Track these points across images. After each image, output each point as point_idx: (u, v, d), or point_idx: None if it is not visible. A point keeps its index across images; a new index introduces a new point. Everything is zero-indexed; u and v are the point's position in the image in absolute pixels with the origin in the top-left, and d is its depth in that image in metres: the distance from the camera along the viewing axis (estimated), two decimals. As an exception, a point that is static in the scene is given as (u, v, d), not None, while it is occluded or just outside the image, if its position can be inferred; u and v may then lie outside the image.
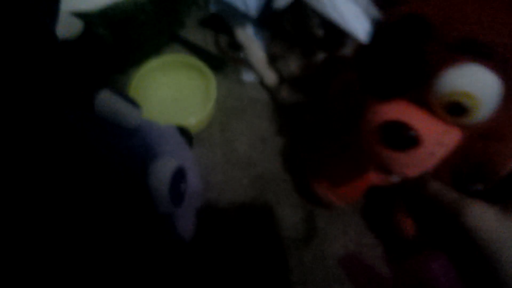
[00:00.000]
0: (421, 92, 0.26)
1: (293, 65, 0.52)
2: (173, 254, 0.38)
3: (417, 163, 0.28)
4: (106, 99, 0.30)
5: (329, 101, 0.44)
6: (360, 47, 0.30)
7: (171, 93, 0.57)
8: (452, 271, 0.29)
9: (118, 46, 0.54)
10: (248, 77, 0.58)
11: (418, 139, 0.26)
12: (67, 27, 0.45)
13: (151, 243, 0.33)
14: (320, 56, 0.51)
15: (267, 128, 0.55)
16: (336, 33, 0.47)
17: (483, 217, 0.28)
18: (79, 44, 0.47)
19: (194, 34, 0.63)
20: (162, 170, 0.30)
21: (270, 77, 0.55)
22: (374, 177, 0.41)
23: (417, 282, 0.28)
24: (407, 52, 0.27)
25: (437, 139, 0.27)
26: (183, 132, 0.44)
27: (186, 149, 0.42)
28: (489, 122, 0.27)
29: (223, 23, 0.59)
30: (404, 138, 0.26)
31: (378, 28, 0.29)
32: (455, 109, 0.25)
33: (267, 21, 0.56)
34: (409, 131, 0.26)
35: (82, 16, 0.48)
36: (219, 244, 0.48)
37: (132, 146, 0.32)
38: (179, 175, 0.32)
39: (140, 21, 0.53)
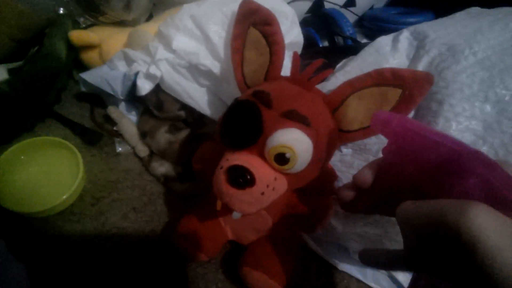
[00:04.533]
0: (260, 146, 0.37)
1: (161, 140, 0.59)
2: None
3: (252, 200, 0.36)
4: None
5: (194, 167, 0.52)
6: (223, 115, 0.40)
7: (39, 173, 0.57)
8: None
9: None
10: (122, 148, 0.62)
11: (253, 180, 0.35)
12: None
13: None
14: (184, 132, 0.59)
15: (139, 198, 0.58)
16: (195, 114, 0.57)
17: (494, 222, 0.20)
18: None
19: (71, 108, 0.65)
20: None
21: (141, 149, 0.61)
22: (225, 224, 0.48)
23: None
24: (251, 117, 0.37)
25: (268, 182, 0.37)
26: None
27: (10, 261, 0.46)
28: (304, 173, 0.38)
29: (99, 97, 0.64)
30: (242, 178, 0.35)
31: (234, 101, 0.40)
32: (280, 159, 0.36)
33: (136, 100, 0.63)
34: (246, 173, 0.35)
35: None
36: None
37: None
38: None
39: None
